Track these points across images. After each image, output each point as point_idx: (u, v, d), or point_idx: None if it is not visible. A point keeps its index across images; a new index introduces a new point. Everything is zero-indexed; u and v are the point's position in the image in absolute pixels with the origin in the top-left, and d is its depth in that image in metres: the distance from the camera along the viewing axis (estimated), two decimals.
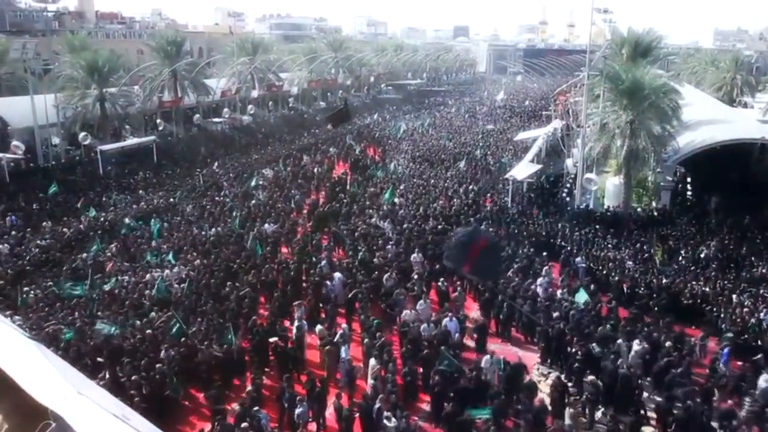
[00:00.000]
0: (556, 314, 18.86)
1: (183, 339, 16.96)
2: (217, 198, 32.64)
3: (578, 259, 24.14)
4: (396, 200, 32.14)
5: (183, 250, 24.34)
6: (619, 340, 17.20)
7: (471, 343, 18.61)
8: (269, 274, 21.97)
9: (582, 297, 19.97)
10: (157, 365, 15.46)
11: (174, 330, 17.46)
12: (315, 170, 39.90)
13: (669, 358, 16.43)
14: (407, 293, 20.29)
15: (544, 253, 24.67)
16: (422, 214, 29.22)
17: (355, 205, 31.33)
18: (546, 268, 22.80)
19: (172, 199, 32.33)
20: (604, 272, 23.25)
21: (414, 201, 31.92)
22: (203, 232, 26.60)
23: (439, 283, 21.55)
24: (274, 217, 29.17)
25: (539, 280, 21.66)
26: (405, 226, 27.34)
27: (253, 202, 31.84)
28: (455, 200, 32.14)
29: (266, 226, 27.54)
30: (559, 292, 21.27)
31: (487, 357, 16.35)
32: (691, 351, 17.63)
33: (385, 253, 23.83)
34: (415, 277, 22.08)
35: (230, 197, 32.66)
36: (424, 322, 18.24)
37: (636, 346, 17.00)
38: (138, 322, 18.08)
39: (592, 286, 21.50)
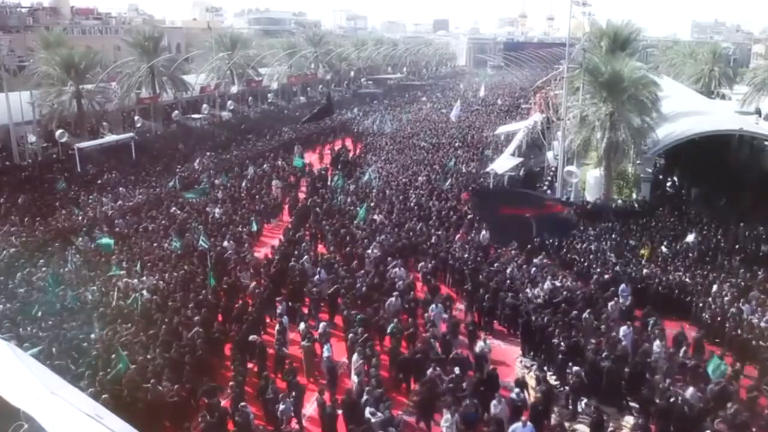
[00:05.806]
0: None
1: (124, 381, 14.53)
2: (173, 209, 29.83)
3: (622, 286, 20.51)
4: (375, 217, 27.99)
5: (146, 265, 22.56)
6: None
7: None
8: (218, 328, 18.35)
9: (719, 368, 15.48)
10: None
11: (119, 367, 14.97)
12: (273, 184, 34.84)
13: None
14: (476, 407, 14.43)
15: (606, 276, 21.42)
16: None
17: (336, 220, 27.82)
18: (612, 304, 19.33)
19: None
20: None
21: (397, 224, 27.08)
22: (167, 245, 24.76)
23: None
24: (233, 234, 26.18)
25: (622, 330, 17.50)
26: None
27: (210, 216, 28.87)
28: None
29: (225, 243, 24.96)
30: (656, 345, 16.75)
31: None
32: None
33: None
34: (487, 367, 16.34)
35: (185, 211, 29.64)
36: None
37: None
38: (104, 332, 16.98)
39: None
